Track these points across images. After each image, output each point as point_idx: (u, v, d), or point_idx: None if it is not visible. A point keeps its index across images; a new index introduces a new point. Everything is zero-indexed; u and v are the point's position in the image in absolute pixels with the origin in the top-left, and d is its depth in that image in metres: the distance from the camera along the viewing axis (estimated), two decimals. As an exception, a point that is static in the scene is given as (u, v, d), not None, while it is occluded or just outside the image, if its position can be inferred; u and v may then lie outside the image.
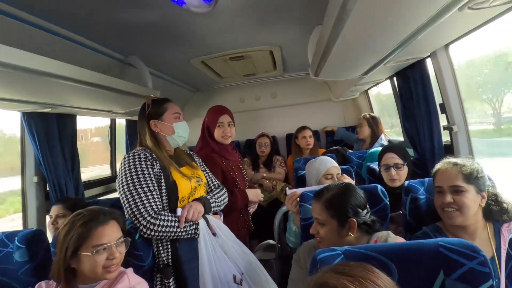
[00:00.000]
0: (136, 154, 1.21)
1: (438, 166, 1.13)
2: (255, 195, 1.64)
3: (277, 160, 2.92)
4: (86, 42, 1.52)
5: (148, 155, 1.22)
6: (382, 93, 3.38)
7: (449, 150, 1.80)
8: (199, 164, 1.44)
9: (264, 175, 2.78)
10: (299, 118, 3.51)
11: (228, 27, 1.67)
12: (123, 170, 1.18)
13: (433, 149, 1.83)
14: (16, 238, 1.12)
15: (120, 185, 1.17)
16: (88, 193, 2.21)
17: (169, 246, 1.19)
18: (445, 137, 1.86)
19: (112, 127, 2.70)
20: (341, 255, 0.70)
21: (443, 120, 1.83)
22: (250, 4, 1.40)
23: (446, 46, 1.64)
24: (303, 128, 2.85)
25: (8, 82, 1.20)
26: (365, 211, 1.04)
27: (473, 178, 1.03)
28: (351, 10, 0.91)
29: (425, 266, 0.68)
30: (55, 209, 1.62)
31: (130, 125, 2.76)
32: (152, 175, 1.18)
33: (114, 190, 2.53)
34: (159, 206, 1.16)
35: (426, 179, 1.26)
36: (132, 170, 1.16)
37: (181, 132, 1.33)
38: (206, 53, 2.12)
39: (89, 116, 2.33)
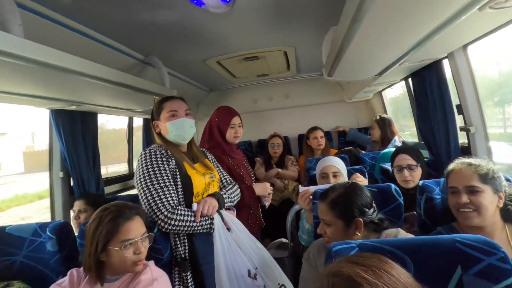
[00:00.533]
0: (152, 150, 1.25)
1: (451, 166, 1.11)
2: (263, 188, 1.64)
3: (289, 160, 2.93)
4: (109, 42, 1.57)
5: (163, 151, 1.26)
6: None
7: (466, 151, 1.76)
8: (211, 161, 1.48)
9: (279, 170, 2.78)
10: (312, 119, 3.50)
11: (244, 27, 1.70)
12: (140, 167, 1.22)
13: (449, 151, 1.79)
14: (47, 229, 1.18)
15: (138, 181, 1.21)
16: (107, 189, 2.28)
17: (186, 241, 1.23)
18: (461, 139, 1.83)
19: (130, 125, 2.80)
20: (356, 248, 0.71)
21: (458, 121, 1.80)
22: (266, 4, 1.42)
23: (464, 46, 1.61)
24: (315, 128, 2.85)
25: (39, 79, 1.27)
26: (372, 210, 1.03)
27: (489, 178, 1.01)
28: (367, 10, 0.91)
29: (441, 261, 0.67)
30: (77, 204, 1.69)
31: (146, 123, 2.84)
32: (168, 171, 1.22)
33: (132, 187, 2.60)
34: (175, 201, 1.19)
35: (442, 179, 1.24)
36: (149, 166, 1.20)
37: (175, 130, 1.30)
38: (221, 53, 2.15)
39: (109, 114, 2.42)
